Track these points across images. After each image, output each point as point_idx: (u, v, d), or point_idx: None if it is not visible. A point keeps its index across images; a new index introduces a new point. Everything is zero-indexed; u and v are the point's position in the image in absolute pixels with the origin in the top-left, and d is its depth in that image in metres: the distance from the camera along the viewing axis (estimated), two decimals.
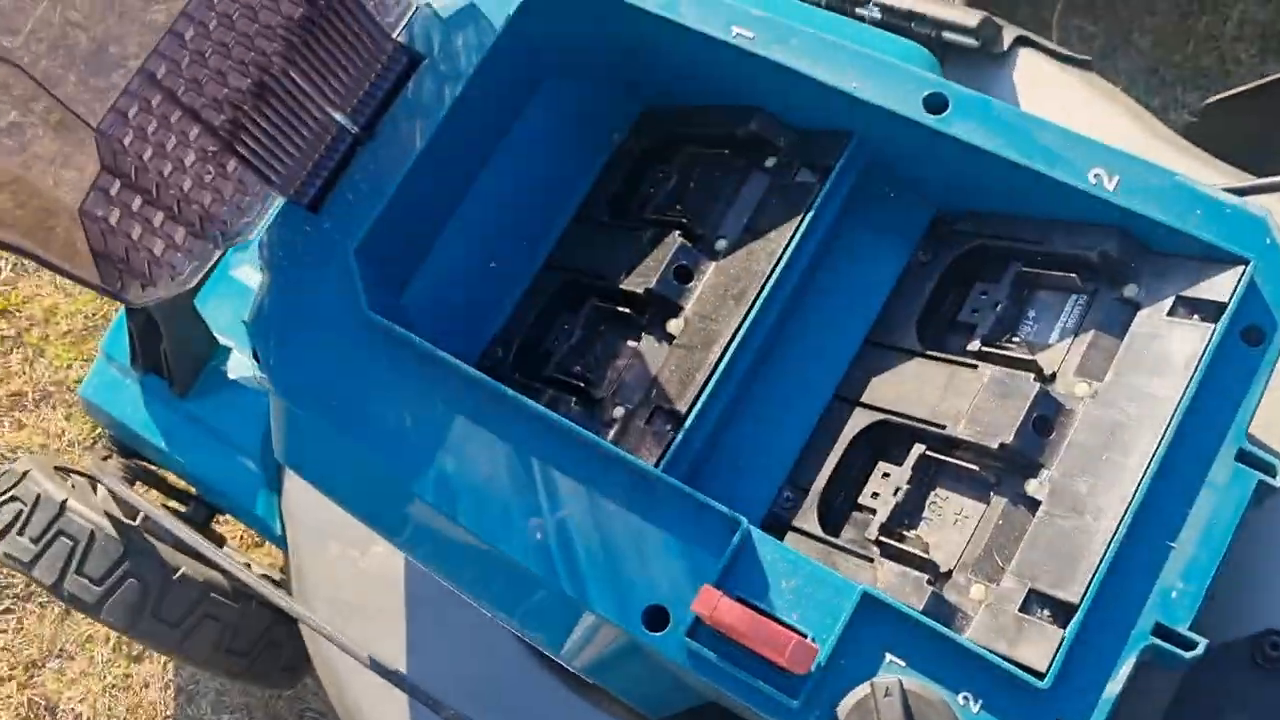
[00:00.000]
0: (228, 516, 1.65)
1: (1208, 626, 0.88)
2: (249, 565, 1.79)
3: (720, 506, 0.93)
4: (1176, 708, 1.03)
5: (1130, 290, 0.98)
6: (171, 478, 1.67)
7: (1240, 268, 0.94)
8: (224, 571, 1.38)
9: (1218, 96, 1.65)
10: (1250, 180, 1.22)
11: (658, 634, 0.92)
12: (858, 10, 1.40)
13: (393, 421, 1.03)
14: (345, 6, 1.09)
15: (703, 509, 0.94)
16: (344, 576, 1.39)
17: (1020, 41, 1.37)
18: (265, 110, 1.06)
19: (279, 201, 1.13)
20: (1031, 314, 1.05)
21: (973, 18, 1.33)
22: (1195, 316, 0.95)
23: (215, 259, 1.09)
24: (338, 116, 1.14)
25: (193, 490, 1.63)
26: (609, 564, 0.95)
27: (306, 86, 1.09)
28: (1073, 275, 1.01)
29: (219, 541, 1.70)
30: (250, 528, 1.56)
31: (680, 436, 1.02)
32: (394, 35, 1.17)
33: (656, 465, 1.02)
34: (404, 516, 1.06)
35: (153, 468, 1.65)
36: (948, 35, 1.36)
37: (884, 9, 1.38)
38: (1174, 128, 1.42)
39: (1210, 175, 1.28)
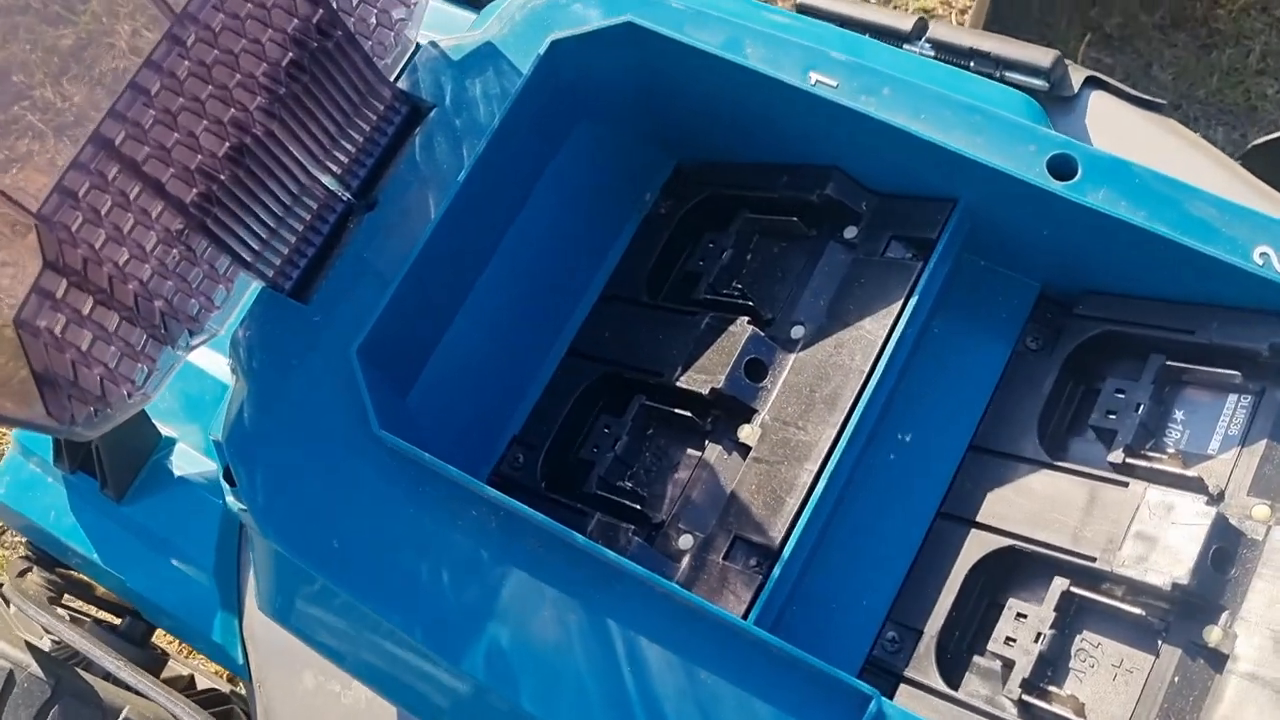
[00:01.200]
0: None
1: None
2: (193, 677, 1.55)
3: (847, 677, 0.74)
4: None
5: None
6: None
7: None
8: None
9: (1264, 139, 1.52)
10: None
11: None
12: (905, 48, 1.23)
13: (416, 571, 0.82)
14: (339, 47, 0.89)
15: (822, 679, 0.75)
16: (323, 715, 1.17)
17: (1090, 82, 1.22)
18: (242, 177, 0.85)
19: (255, 287, 0.92)
20: (1179, 416, 0.88)
21: (1046, 57, 1.17)
22: None
23: (177, 366, 0.87)
24: (327, 181, 0.93)
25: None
26: None
27: (291, 145, 0.88)
28: (1234, 372, 0.85)
29: (160, 658, 1.45)
30: (204, 655, 1.33)
31: (777, 575, 0.84)
32: (393, 80, 0.96)
33: (747, 612, 0.83)
34: (435, 690, 0.86)
35: (79, 576, 1.40)
36: (1012, 76, 1.19)
37: (937, 46, 1.21)
38: None
39: None
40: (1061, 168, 0.87)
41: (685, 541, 0.89)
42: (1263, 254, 0.83)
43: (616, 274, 1.06)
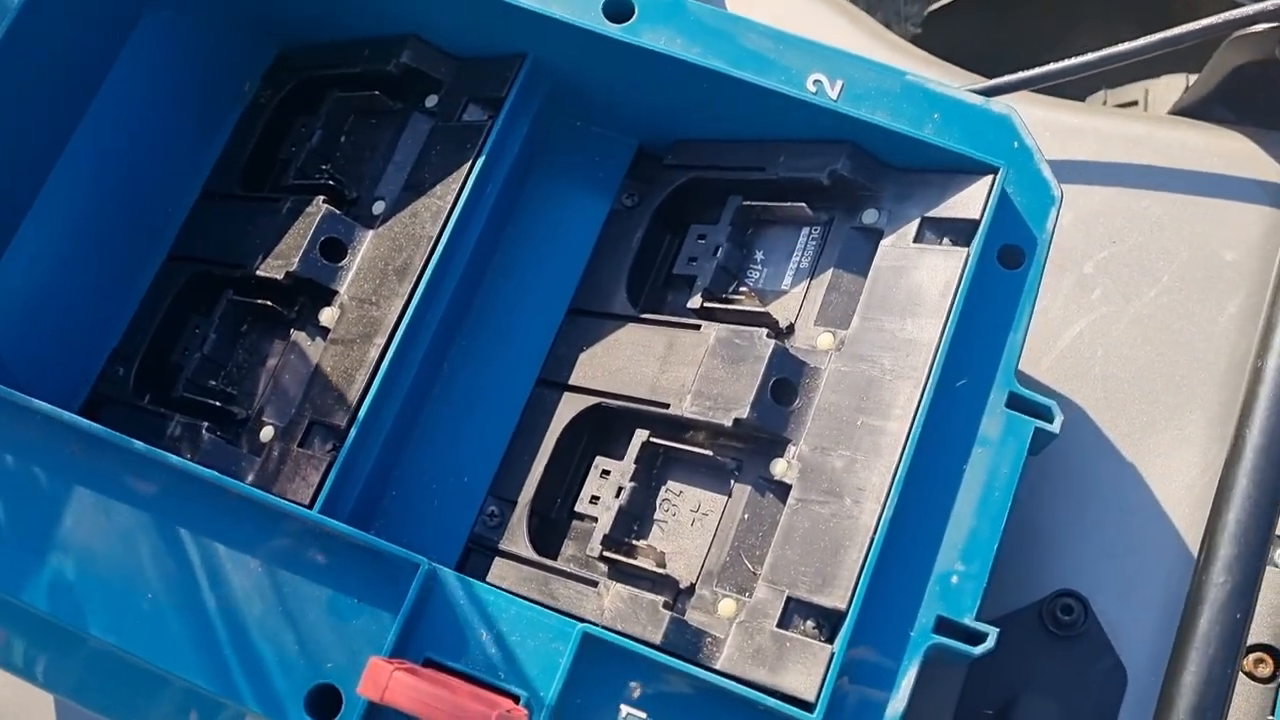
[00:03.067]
0: None
1: (989, 598, 0.73)
2: None
3: (390, 546, 0.71)
4: (966, 697, 0.88)
5: (869, 216, 0.82)
6: None
7: (989, 177, 0.78)
8: None
9: (940, 3, 1.53)
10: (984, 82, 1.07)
11: None
12: None
13: None
14: None
15: (370, 553, 0.72)
16: None
17: None
18: None
19: None
20: (759, 256, 0.87)
21: None
22: (945, 240, 0.79)
23: None
24: None
25: None
26: (261, 643, 0.72)
27: None
28: (802, 205, 0.84)
29: None
30: None
31: (343, 456, 0.80)
32: None
33: (315, 495, 0.79)
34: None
35: None
36: None
37: None
38: None
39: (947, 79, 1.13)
40: (617, 10, 0.84)
41: (267, 433, 0.85)
42: (815, 81, 0.82)
43: (215, 171, 1.00)
